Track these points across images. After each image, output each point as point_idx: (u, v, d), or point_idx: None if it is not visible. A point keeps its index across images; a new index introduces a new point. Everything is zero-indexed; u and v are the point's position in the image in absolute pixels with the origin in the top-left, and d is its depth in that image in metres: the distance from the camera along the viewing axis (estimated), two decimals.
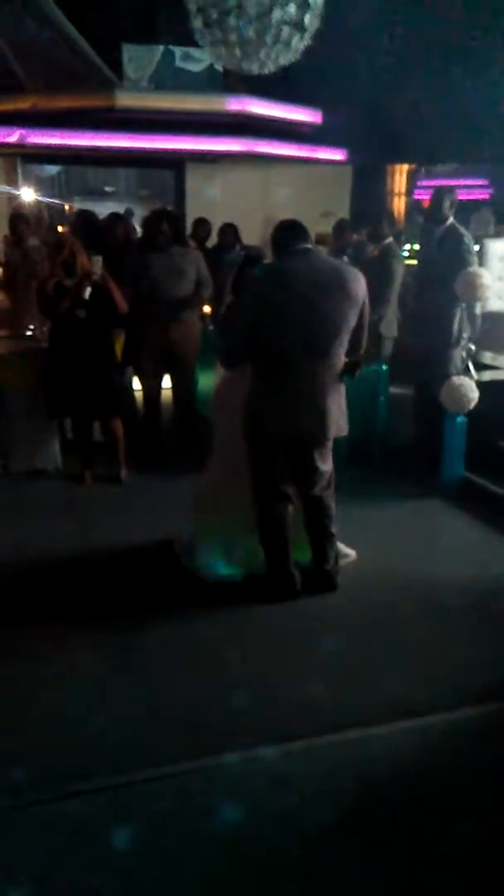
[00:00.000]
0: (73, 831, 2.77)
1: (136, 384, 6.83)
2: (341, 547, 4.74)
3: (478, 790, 3.02)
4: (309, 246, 4.22)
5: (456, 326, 6.18)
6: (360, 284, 4.16)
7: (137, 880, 2.56)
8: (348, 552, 4.83)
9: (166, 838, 2.73)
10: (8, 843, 2.72)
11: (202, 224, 8.99)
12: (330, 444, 4.38)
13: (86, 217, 7.79)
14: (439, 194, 6.46)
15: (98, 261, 5.69)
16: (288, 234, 4.21)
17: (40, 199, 15.12)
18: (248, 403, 4.23)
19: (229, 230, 8.79)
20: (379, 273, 7.01)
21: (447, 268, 6.10)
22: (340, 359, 4.21)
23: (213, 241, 9.14)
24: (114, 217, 7.73)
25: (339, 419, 4.29)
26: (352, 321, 4.16)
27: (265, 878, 2.59)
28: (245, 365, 4.24)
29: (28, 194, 13.53)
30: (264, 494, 4.33)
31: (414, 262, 7.66)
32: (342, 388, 4.30)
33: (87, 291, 5.68)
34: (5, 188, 12.33)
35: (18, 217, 8.46)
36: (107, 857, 2.66)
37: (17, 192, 12.64)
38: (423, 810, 2.90)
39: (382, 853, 2.70)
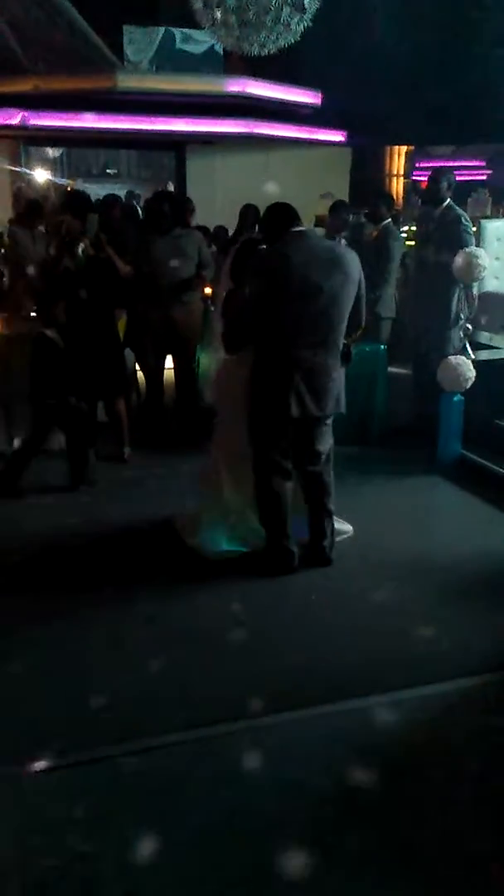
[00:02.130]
0: (75, 799, 2.84)
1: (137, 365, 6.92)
2: (338, 523, 4.82)
3: (479, 760, 3.10)
4: (303, 228, 4.29)
5: (454, 306, 6.25)
6: (355, 264, 4.25)
7: (137, 847, 2.62)
8: (345, 528, 4.91)
9: (168, 806, 2.81)
10: (17, 809, 2.82)
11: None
12: (329, 424, 4.48)
13: (73, 196, 7.79)
14: (436, 175, 6.52)
15: (94, 218, 5.75)
16: (281, 217, 4.27)
17: (53, 179, 15.11)
18: (254, 382, 4.30)
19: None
20: (378, 254, 7.09)
21: (445, 248, 6.17)
22: (341, 337, 4.30)
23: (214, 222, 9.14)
24: (110, 198, 7.78)
25: (340, 396, 4.38)
26: (351, 300, 4.25)
27: (265, 845, 2.65)
28: (247, 347, 4.31)
29: (41, 175, 13.55)
30: (266, 470, 4.41)
31: (412, 243, 7.70)
32: (339, 365, 4.39)
33: (80, 248, 5.76)
34: (23, 169, 12.35)
35: (34, 207, 8.47)
36: (107, 825, 2.74)
37: (30, 173, 12.64)
38: (425, 779, 2.98)
39: (381, 820, 2.78)
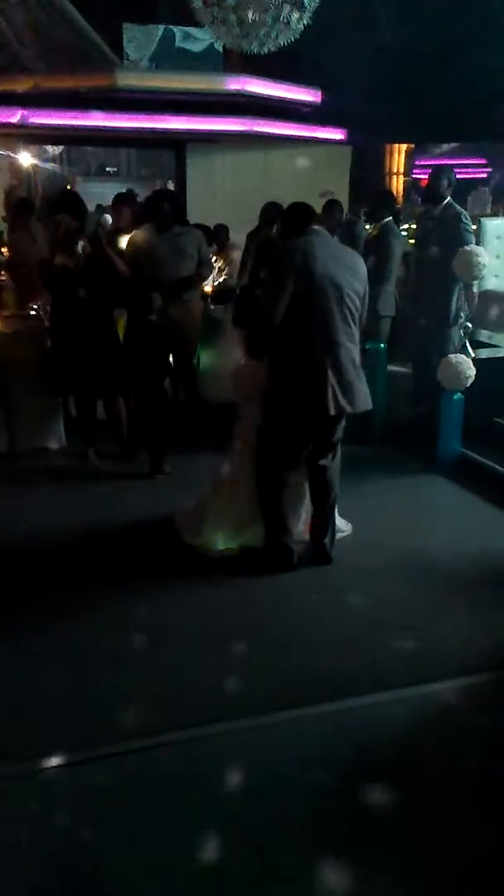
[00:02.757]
0: (77, 796, 2.86)
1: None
2: (339, 522, 4.82)
3: (479, 758, 3.10)
4: (318, 227, 4.33)
5: (453, 305, 6.25)
6: (363, 265, 4.35)
7: (139, 842, 2.64)
8: (344, 527, 4.90)
9: (170, 803, 2.82)
10: (15, 809, 2.82)
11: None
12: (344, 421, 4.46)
13: (69, 195, 7.79)
14: (436, 173, 6.52)
15: (93, 216, 5.76)
16: (302, 215, 4.34)
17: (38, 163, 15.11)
18: (278, 381, 4.26)
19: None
20: (378, 252, 7.08)
21: (445, 246, 6.17)
22: (359, 333, 4.33)
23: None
24: (121, 197, 7.75)
25: (367, 392, 4.35)
26: (364, 299, 4.31)
27: (265, 842, 2.66)
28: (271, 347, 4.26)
29: (26, 159, 13.54)
30: (278, 466, 4.39)
31: (413, 241, 7.70)
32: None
33: (79, 247, 5.77)
34: (39, 161, 12.35)
35: (24, 204, 8.50)
36: (110, 820, 2.75)
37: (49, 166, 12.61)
38: (425, 777, 2.99)
39: (381, 819, 2.78)
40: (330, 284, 4.10)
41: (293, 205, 4.42)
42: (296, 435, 4.33)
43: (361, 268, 4.32)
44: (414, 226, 10.42)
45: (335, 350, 4.15)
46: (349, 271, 4.21)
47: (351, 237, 7.81)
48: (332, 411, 4.17)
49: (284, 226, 4.44)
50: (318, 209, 12.12)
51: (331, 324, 4.14)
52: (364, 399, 4.32)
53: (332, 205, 8.36)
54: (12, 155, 12.82)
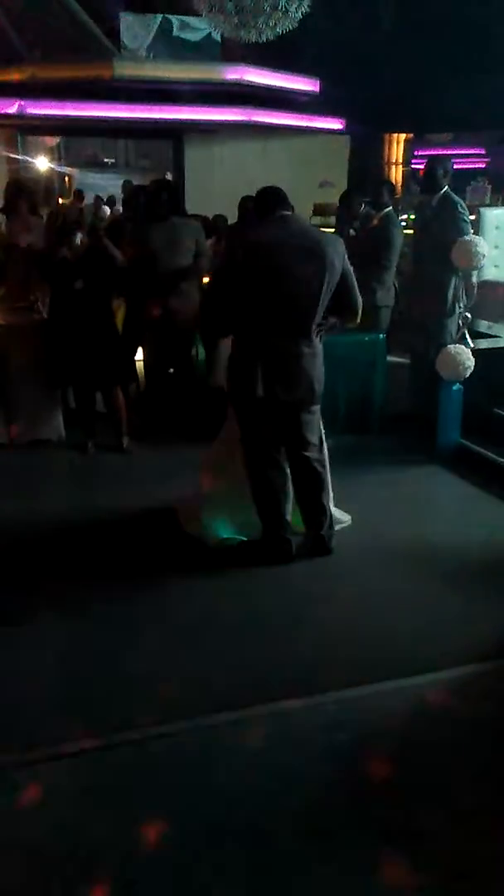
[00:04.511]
0: (83, 786, 2.87)
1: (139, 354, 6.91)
2: (337, 513, 4.82)
3: (482, 747, 3.11)
4: (287, 213, 4.25)
5: (451, 295, 6.24)
6: (338, 252, 4.19)
7: (139, 835, 2.64)
8: (344, 518, 4.90)
9: (168, 792, 2.83)
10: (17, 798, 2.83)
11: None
12: (315, 412, 4.44)
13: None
14: (432, 163, 6.50)
15: (106, 210, 5.76)
16: (266, 201, 4.26)
17: (54, 167, 15.09)
18: (229, 368, 4.34)
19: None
20: (379, 241, 7.06)
21: (442, 236, 6.15)
22: (314, 324, 4.24)
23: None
24: (136, 189, 7.75)
25: (314, 385, 4.30)
26: (329, 288, 4.18)
27: (266, 830, 2.67)
28: (224, 334, 4.35)
29: (42, 163, 13.54)
30: (254, 459, 4.42)
31: (410, 231, 7.67)
32: (320, 354, 4.33)
33: (78, 238, 5.77)
34: (42, 160, 12.34)
35: (19, 191, 8.45)
36: (115, 809, 2.76)
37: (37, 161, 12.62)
38: (428, 767, 2.99)
39: (384, 808, 2.78)
40: (274, 271, 4.05)
41: (262, 189, 4.35)
42: (251, 421, 4.35)
43: (332, 254, 4.14)
44: (413, 216, 10.39)
45: (272, 338, 4.15)
46: (311, 258, 4.09)
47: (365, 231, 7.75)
48: (260, 394, 4.19)
49: (255, 210, 4.38)
50: (318, 199, 12.13)
51: (269, 312, 4.12)
52: (307, 390, 4.27)
53: (349, 195, 8.33)
54: (29, 160, 12.81)
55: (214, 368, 6.72)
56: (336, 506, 4.75)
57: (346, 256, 4.26)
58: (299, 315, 4.17)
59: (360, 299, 4.38)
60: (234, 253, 4.23)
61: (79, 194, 13.60)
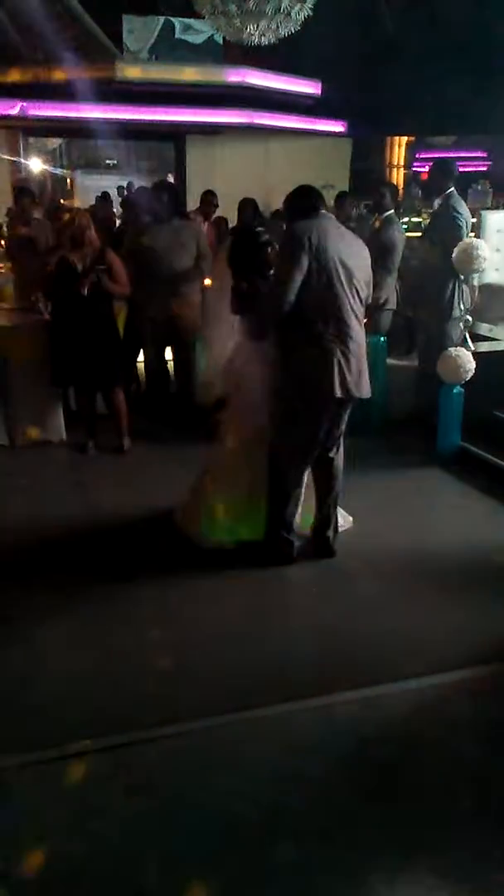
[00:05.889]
0: (76, 787, 2.87)
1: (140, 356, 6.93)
2: (339, 515, 4.80)
3: (481, 748, 3.11)
4: (327, 213, 4.30)
5: (451, 298, 6.23)
6: (368, 256, 4.30)
7: (139, 833, 2.65)
8: (345, 520, 4.90)
9: (168, 794, 2.83)
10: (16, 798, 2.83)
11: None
12: None
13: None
14: (435, 167, 6.51)
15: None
16: (311, 199, 4.26)
17: (49, 169, 15.08)
18: (287, 362, 4.20)
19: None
20: (380, 244, 7.07)
21: (442, 239, 6.15)
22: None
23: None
24: (137, 191, 7.75)
25: (368, 380, 4.30)
26: (368, 287, 4.27)
27: (265, 832, 2.67)
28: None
29: (36, 164, 13.55)
30: (296, 461, 4.33)
31: (412, 234, 7.69)
32: None
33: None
34: (35, 161, 12.35)
35: (23, 191, 8.50)
36: (112, 811, 2.76)
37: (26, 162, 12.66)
38: (428, 768, 2.99)
39: (385, 810, 2.78)
40: (342, 266, 4.05)
41: (301, 187, 4.32)
42: (308, 421, 4.22)
43: (367, 257, 4.27)
44: (415, 219, 10.40)
45: (346, 331, 4.09)
46: (357, 258, 4.17)
47: (363, 232, 7.77)
48: (339, 393, 4.09)
49: (292, 208, 4.31)
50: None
51: (342, 305, 4.08)
52: (367, 386, 4.27)
53: (342, 198, 8.37)
54: (23, 161, 12.83)
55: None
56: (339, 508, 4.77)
57: None
58: (358, 305, 4.17)
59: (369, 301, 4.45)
60: (299, 240, 4.03)
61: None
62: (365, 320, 4.43)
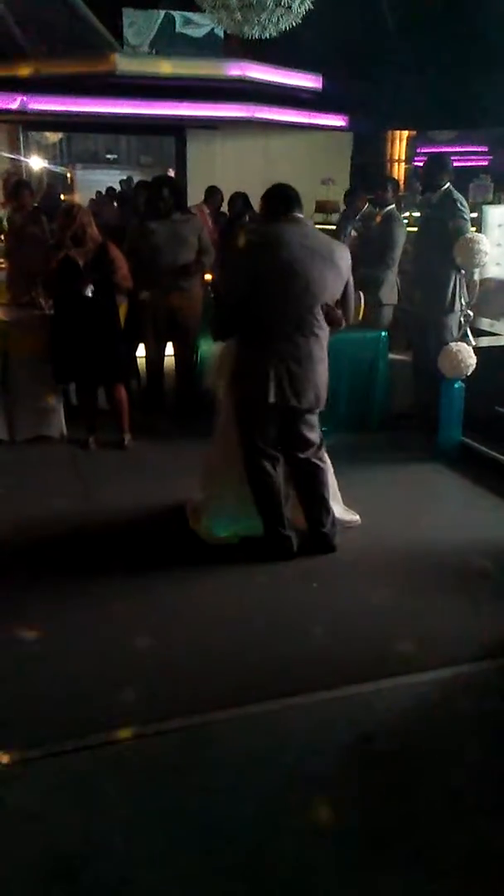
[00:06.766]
0: (76, 784, 2.87)
1: (141, 351, 6.92)
2: (347, 513, 4.84)
3: (481, 744, 3.11)
4: (300, 215, 4.22)
5: (452, 292, 6.22)
6: (345, 261, 4.22)
7: (139, 829, 2.64)
8: (353, 518, 4.89)
9: (167, 790, 2.83)
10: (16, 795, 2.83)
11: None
12: (315, 413, 4.44)
13: None
14: (430, 161, 6.49)
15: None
16: (279, 200, 4.20)
17: (47, 166, 15.07)
18: (236, 368, 4.30)
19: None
20: (381, 239, 7.06)
21: (443, 234, 6.13)
22: (325, 328, 4.25)
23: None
24: (137, 185, 7.75)
25: (320, 391, 4.31)
26: (336, 293, 4.22)
27: (264, 829, 2.67)
28: (235, 334, 4.27)
29: (36, 162, 13.53)
30: (253, 456, 4.40)
31: (413, 229, 7.66)
32: (325, 358, 4.32)
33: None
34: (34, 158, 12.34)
35: (21, 183, 8.45)
36: (110, 808, 2.75)
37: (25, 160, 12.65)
38: (422, 763, 2.99)
39: (383, 806, 2.78)
40: (292, 273, 4.01)
41: (273, 187, 4.26)
42: (254, 423, 4.33)
43: (341, 262, 4.18)
44: (416, 214, 10.36)
45: (282, 340, 4.12)
46: (323, 262, 4.09)
47: (368, 229, 7.74)
48: (272, 399, 4.15)
49: (265, 208, 4.29)
50: (320, 196, 12.10)
51: (284, 313, 4.09)
52: (312, 397, 4.26)
53: (354, 192, 8.34)
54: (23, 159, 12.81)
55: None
56: (342, 503, 4.77)
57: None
58: (310, 316, 4.15)
59: (352, 310, 4.43)
60: (248, 248, 4.11)
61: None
62: (361, 318, 4.42)
